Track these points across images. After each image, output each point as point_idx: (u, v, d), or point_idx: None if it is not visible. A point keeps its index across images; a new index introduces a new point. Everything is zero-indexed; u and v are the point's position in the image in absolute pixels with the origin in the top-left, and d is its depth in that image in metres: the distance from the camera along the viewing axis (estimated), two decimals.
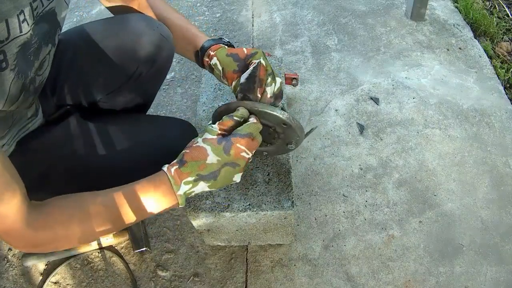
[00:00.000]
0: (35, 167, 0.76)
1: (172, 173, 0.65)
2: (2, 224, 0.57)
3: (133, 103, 0.98)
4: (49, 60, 0.74)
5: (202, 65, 0.88)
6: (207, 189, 0.67)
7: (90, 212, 0.64)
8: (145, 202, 0.65)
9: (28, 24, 0.60)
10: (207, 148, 0.66)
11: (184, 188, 0.65)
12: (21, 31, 0.59)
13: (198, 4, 2.02)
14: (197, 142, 0.67)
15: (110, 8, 0.89)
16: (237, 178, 0.69)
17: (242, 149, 0.66)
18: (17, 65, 0.61)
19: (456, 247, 1.11)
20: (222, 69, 0.81)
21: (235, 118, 0.69)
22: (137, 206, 0.65)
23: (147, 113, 1.11)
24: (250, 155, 0.68)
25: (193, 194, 0.67)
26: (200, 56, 0.86)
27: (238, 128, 0.68)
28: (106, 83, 0.89)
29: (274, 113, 0.71)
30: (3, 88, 0.60)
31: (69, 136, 0.80)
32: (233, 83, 0.80)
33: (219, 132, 0.68)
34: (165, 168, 0.66)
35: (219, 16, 1.94)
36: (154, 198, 0.65)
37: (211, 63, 0.84)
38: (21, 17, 0.58)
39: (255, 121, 0.70)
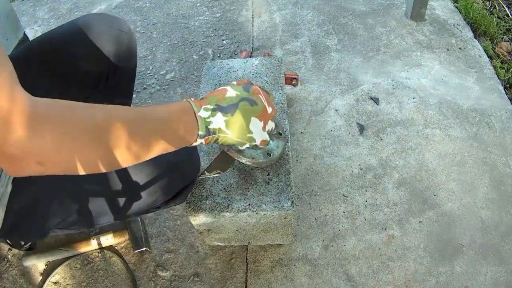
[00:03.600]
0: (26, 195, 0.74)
1: (193, 99, 0.65)
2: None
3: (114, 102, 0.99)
4: None
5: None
6: (224, 127, 0.65)
7: (106, 123, 0.53)
8: (166, 122, 0.59)
9: None
10: (227, 87, 0.70)
11: (204, 114, 0.63)
12: None
13: (198, 4, 2.02)
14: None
15: None
16: (256, 131, 0.69)
17: (260, 91, 0.71)
18: None
19: (456, 247, 1.11)
20: None
21: (252, 83, 0.75)
22: (158, 126, 0.58)
23: None
24: (266, 104, 0.72)
25: (211, 126, 0.63)
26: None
27: None
28: (80, 86, 0.90)
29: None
30: None
31: None
32: None
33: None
34: (184, 99, 0.66)
35: (219, 16, 1.94)
36: (175, 117, 0.60)
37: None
38: None
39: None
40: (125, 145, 0.54)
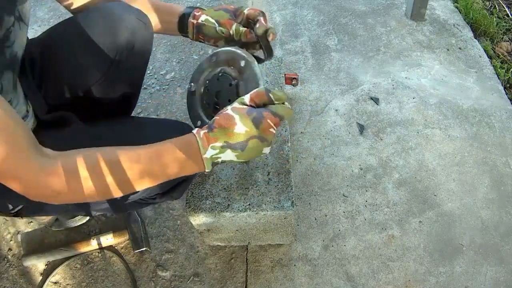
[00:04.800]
0: None
1: (201, 136, 0.66)
2: (14, 170, 0.57)
3: (120, 92, 0.98)
4: (15, 32, 0.73)
5: (186, 30, 0.91)
6: (235, 159, 0.67)
7: (111, 166, 0.63)
8: (170, 162, 0.65)
9: None
10: (235, 116, 0.66)
11: (211, 152, 0.65)
12: None
13: (198, 4, 2.02)
14: (227, 109, 0.68)
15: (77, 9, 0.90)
16: (266, 150, 0.70)
17: (271, 125, 0.67)
18: None
19: (456, 247, 1.11)
20: (217, 20, 0.86)
21: (271, 96, 0.69)
22: (162, 164, 0.65)
23: (145, 115, 1.11)
24: (276, 131, 0.69)
25: (219, 161, 0.67)
26: (185, 20, 0.89)
27: (273, 106, 0.69)
28: (89, 73, 0.89)
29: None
30: None
31: (70, 141, 0.80)
32: (233, 27, 0.85)
33: (249, 104, 0.69)
34: (194, 131, 0.67)
35: None
36: (180, 159, 0.65)
37: (200, 21, 0.87)
38: None
39: (289, 106, 0.71)
40: (135, 183, 0.65)
